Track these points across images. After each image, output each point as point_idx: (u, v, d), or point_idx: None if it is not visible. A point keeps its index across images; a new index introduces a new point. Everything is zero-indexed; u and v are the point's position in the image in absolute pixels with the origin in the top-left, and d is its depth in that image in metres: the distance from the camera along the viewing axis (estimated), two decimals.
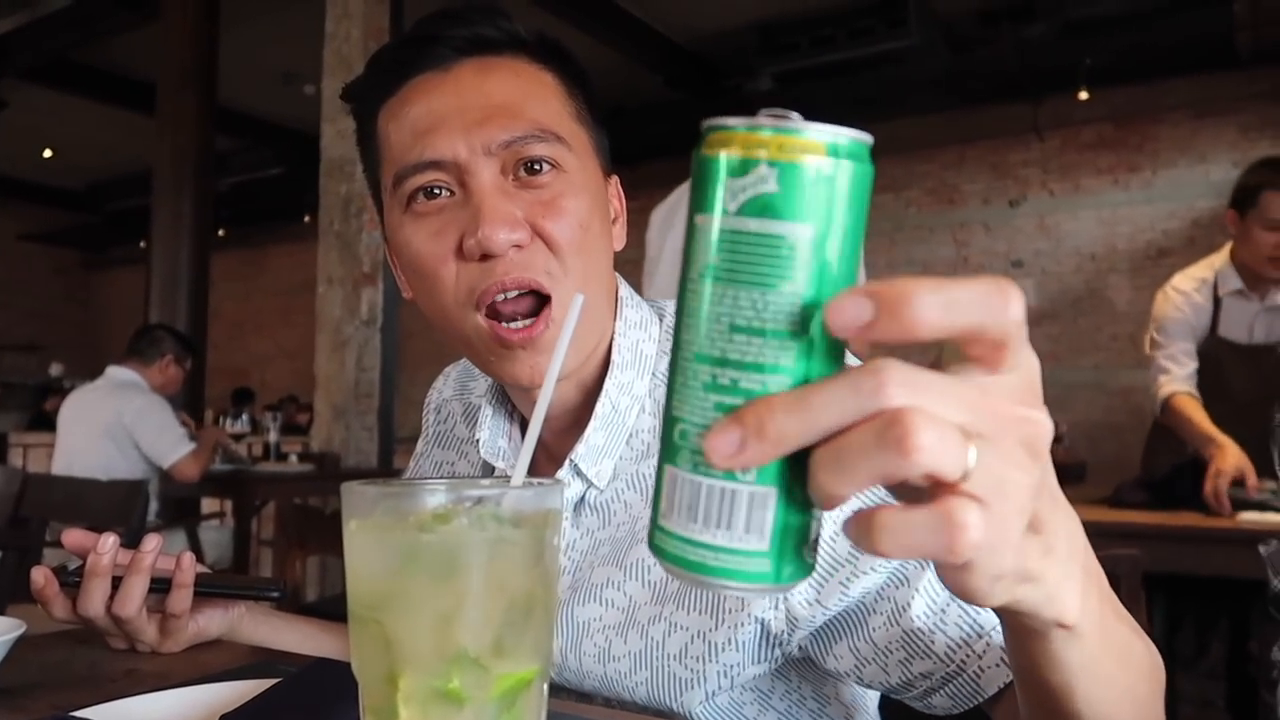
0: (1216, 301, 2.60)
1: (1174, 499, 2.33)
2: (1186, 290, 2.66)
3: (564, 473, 0.79)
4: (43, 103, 8.45)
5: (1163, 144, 7.42)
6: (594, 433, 0.78)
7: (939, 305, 0.30)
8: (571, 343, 0.75)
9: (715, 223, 0.33)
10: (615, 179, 0.86)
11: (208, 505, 5.03)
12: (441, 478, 0.94)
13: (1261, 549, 0.83)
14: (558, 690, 0.80)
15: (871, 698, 0.86)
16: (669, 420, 0.35)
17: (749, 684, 0.76)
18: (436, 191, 0.75)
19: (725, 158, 0.33)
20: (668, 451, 0.35)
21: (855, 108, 7.86)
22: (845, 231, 0.34)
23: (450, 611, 0.43)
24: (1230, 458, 2.28)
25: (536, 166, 0.74)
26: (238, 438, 4.96)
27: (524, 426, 0.86)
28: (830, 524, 0.68)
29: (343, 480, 0.47)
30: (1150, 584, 1.89)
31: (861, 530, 0.32)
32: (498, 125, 0.73)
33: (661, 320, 0.86)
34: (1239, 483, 2.24)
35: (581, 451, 0.78)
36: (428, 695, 0.43)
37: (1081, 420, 7.12)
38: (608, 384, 0.79)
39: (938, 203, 8.29)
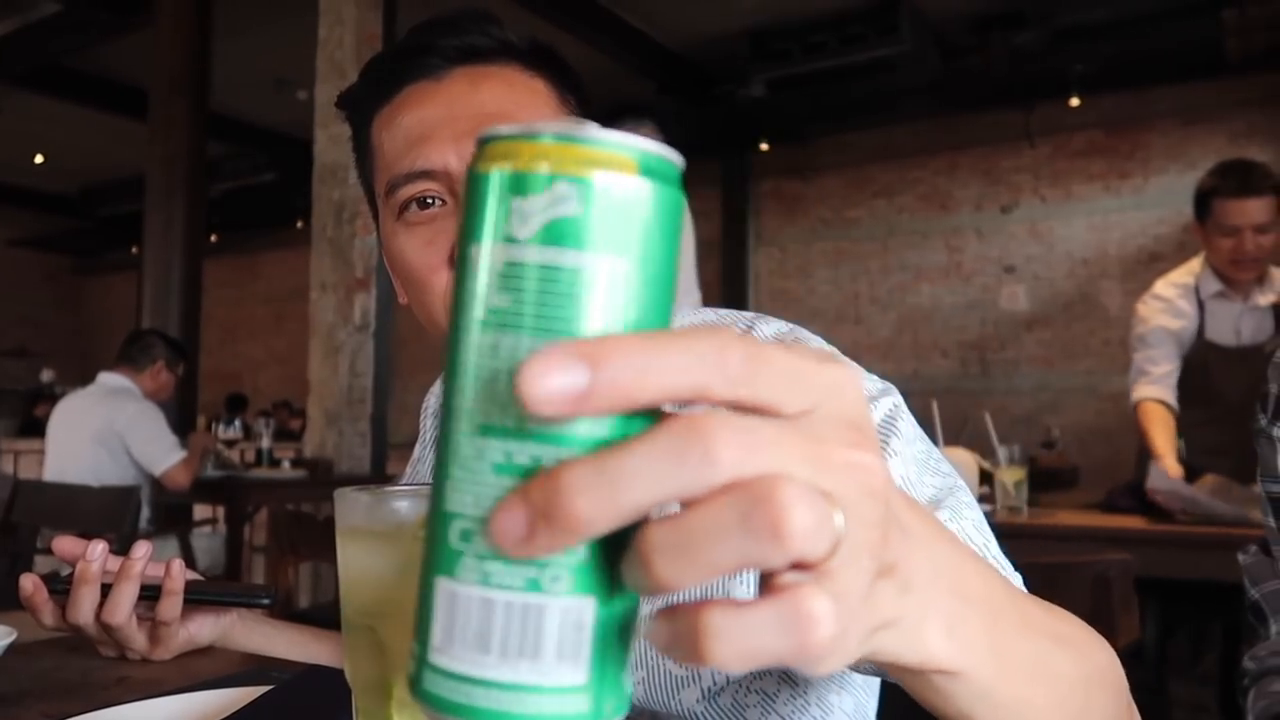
0: (1201, 306, 2.60)
1: (1159, 509, 2.34)
2: (1167, 297, 2.67)
3: None
4: (34, 108, 8.42)
5: (1153, 150, 7.47)
6: None
7: (683, 355, 0.25)
8: None
9: (499, 254, 0.26)
10: None
11: (200, 512, 5.00)
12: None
13: (1241, 557, 0.83)
14: None
15: (873, 708, 0.85)
16: (441, 518, 0.27)
17: (753, 686, 0.76)
18: (429, 201, 0.75)
19: (513, 173, 0.27)
20: (441, 560, 0.26)
21: (847, 114, 7.90)
22: (660, 265, 0.28)
23: None
24: (1168, 464, 2.36)
25: None
26: (230, 443, 4.94)
27: None
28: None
29: (335, 486, 0.46)
30: (1143, 589, 1.90)
31: (680, 636, 0.26)
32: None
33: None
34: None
35: None
36: None
37: (1073, 425, 7.15)
38: None
39: (930, 209, 8.32)
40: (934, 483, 0.72)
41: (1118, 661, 0.52)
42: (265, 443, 4.75)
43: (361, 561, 0.45)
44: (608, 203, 0.26)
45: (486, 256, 0.27)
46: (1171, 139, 7.41)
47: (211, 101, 5.59)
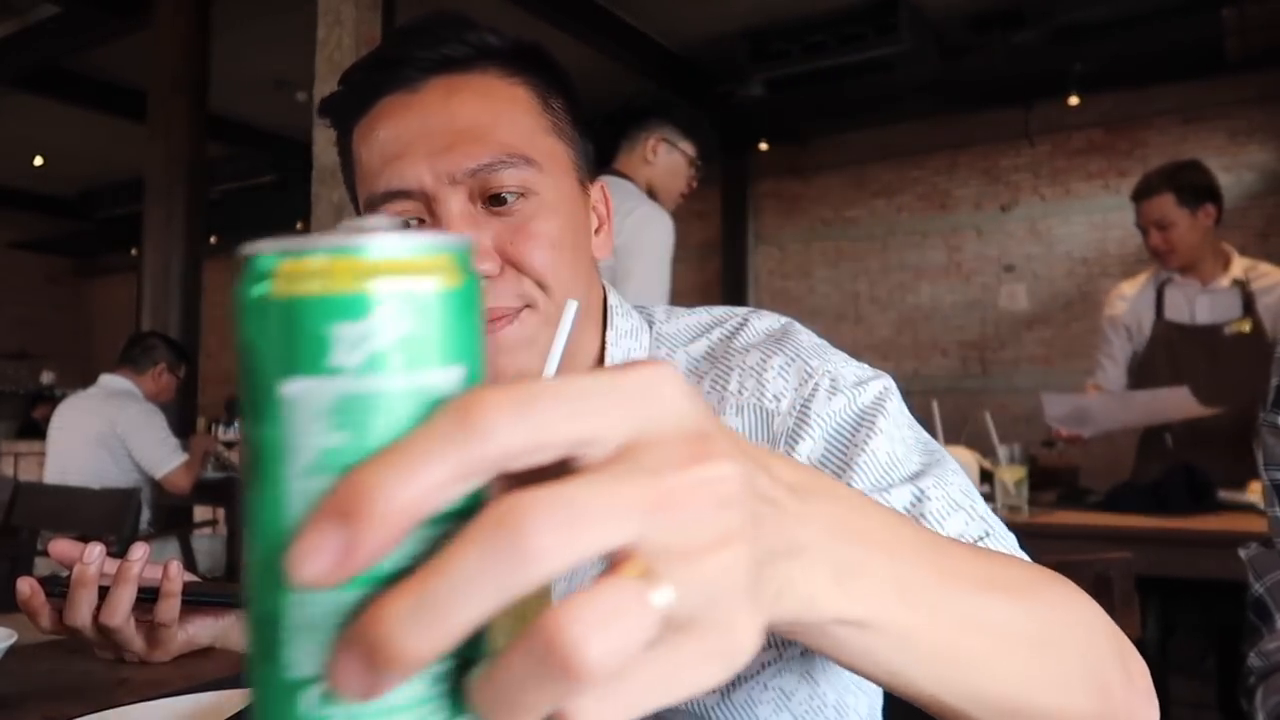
0: (1159, 293, 2.80)
1: (1166, 502, 2.34)
2: (1128, 294, 2.90)
3: None
4: (33, 110, 8.42)
5: (1152, 149, 7.46)
6: None
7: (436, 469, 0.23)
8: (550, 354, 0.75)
9: (327, 389, 0.23)
10: (600, 185, 0.85)
11: (200, 513, 5.01)
12: None
13: (1242, 552, 0.83)
14: None
15: (879, 706, 0.85)
16: (286, 689, 0.24)
17: (770, 683, 0.76)
18: (407, 224, 0.75)
19: (326, 297, 0.23)
20: None
21: (847, 114, 7.90)
22: (482, 360, 0.26)
23: None
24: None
25: (504, 197, 0.74)
26: (231, 445, 4.94)
27: None
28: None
29: None
30: (1144, 587, 1.90)
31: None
32: (463, 152, 0.73)
33: (651, 327, 0.85)
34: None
35: None
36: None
37: None
38: None
39: (930, 208, 8.32)
40: (920, 460, 0.72)
41: (1102, 617, 0.50)
42: None
43: None
44: (443, 309, 0.24)
45: (309, 394, 0.23)
46: (1171, 137, 7.41)
47: (210, 102, 5.59)
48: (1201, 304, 2.72)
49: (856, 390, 0.74)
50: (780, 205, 9.14)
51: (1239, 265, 2.72)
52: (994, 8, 6.72)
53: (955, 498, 0.69)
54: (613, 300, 0.84)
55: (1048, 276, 7.77)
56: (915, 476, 0.71)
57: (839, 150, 8.46)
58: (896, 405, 0.75)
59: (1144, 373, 2.79)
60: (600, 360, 0.81)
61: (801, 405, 0.74)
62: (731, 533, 0.26)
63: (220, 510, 4.76)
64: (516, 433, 0.23)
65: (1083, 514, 2.43)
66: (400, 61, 0.76)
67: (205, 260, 5.53)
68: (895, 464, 0.71)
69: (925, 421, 0.82)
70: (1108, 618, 0.51)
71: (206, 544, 4.49)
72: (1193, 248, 2.69)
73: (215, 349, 8.52)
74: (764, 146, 8.73)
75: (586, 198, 0.82)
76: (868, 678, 0.39)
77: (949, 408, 2.76)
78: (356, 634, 0.23)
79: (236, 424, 5.21)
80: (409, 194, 0.74)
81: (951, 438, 2.58)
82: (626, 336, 0.82)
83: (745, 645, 0.27)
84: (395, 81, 0.76)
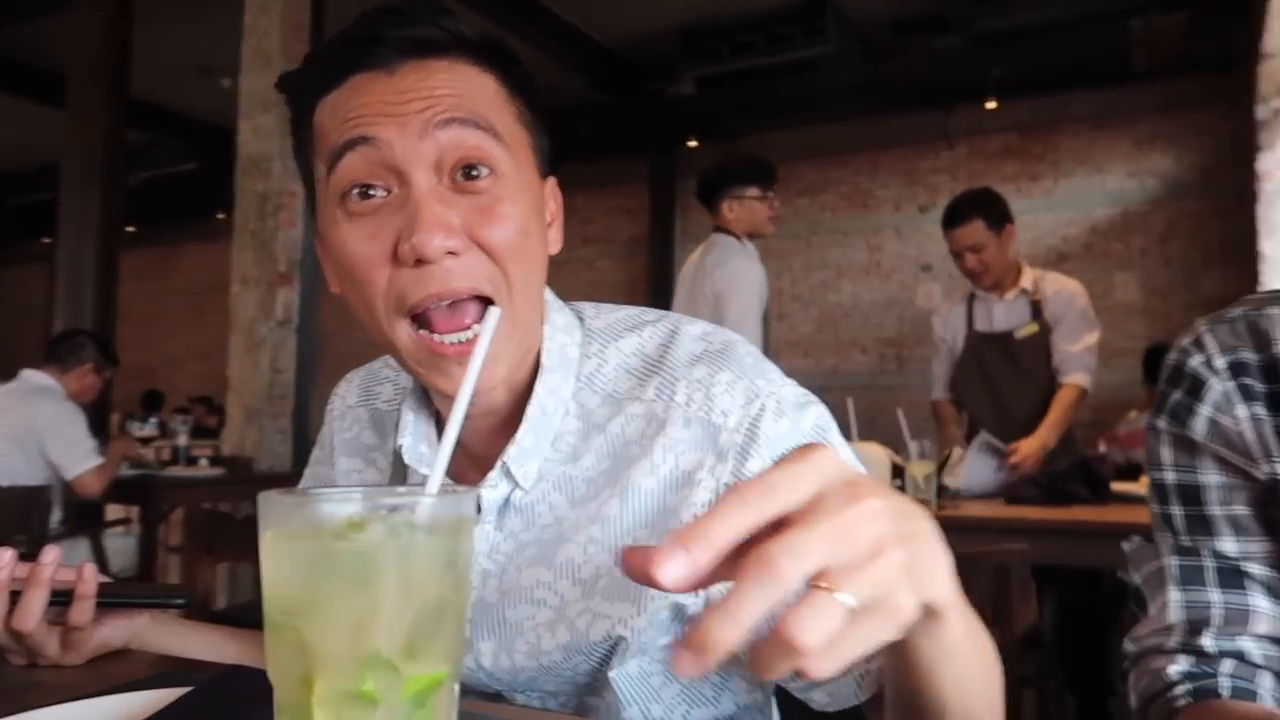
0: (970, 308, 3.19)
1: (1066, 495, 2.46)
2: (944, 312, 3.33)
3: (494, 474, 0.80)
4: None
5: (1063, 154, 7.75)
6: (524, 435, 0.79)
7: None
8: (509, 352, 0.77)
9: None
10: (553, 181, 0.85)
11: (113, 512, 4.85)
12: (351, 486, 0.94)
13: (1125, 545, 0.89)
14: (476, 691, 0.82)
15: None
16: None
17: (657, 655, 0.79)
18: (372, 192, 0.73)
19: None
20: None
21: (774, 113, 8.01)
22: None
23: (364, 617, 0.44)
24: (951, 446, 2.96)
25: (474, 172, 0.74)
26: (146, 441, 4.81)
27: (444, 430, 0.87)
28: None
29: (255, 485, 0.48)
30: (1041, 575, 2.00)
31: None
32: (435, 111, 0.73)
33: (582, 323, 0.87)
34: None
35: (513, 453, 0.79)
36: (341, 697, 0.45)
37: None
38: (538, 387, 0.81)
39: (852, 207, 8.49)
40: None
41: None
42: (182, 440, 4.64)
43: (285, 563, 0.46)
44: None
45: None
46: (1081, 142, 7.69)
47: (131, 88, 5.41)
48: (999, 313, 3.11)
49: (799, 414, 0.79)
50: None
51: (1028, 276, 3.09)
52: (917, 13, 6.89)
53: None
54: (548, 296, 0.86)
55: (962, 277, 8.00)
56: None
57: (766, 149, 8.48)
58: (837, 436, 0.80)
59: (960, 376, 3.19)
60: (538, 355, 0.83)
61: (750, 424, 0.77)
62: (885, 543, 0.41)
63: (134, 508, 4.63)
64: (763, 510, 0.41)
65: (986, 506, 2.56)
66: (375, 40, 0.75)
67: (122, 250, 5.36)
68: None
69: (841, 418, 0.87)
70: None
71: (119, 542, 4.36)
72: (1002, 266, 3.04)
73: (130, 341, 8.25)
74: (693, 143, 8.80)
75: (543, 189, 0.83)
76: (912, 669, 0.53)
77: (867, 403, 2.86)
78: (692, 633, 0.39)
79: (152, 420, 5.07)
80: (375, 143, 0.72)
81: (865, 433, 2.66)
82: (562, 331, 0.84)
83: (908, 613, 0.42)
84: (369, 59, 0.75)
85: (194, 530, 2.83)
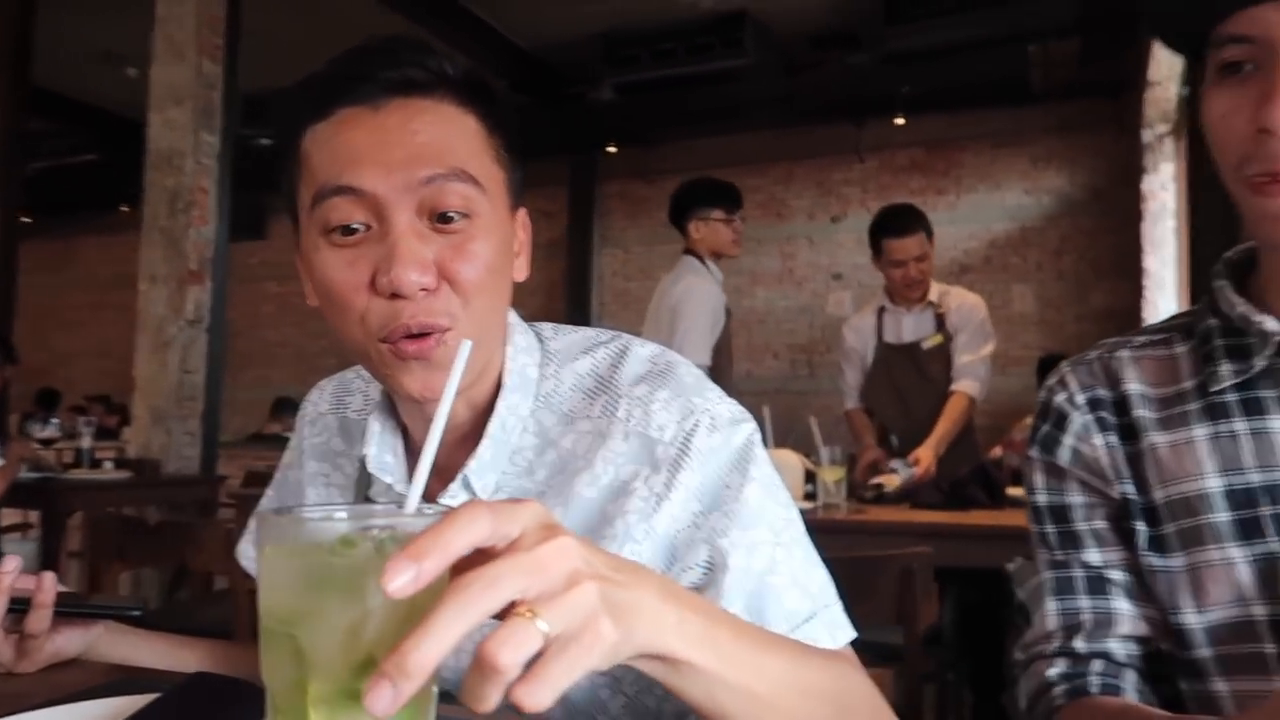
0: (879, 320, 3.34)
1: (966, 500, 2.61)
2: (855, 324, 3.47)
3: (455, 485, 0.84)
4: None
5: (966, 170, 8.06)
6: (484, 450, 0.84)
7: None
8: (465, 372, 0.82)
9: None
10: (523, 211, 0.91)
11: (9, 516, 4.66)
12: (317, 490, 0.99)
13: (1009, 566, 0.98)
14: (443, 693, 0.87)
15: None
16: None
17: (603, 668, 0.85)
18: (354, 227, 0.78)
19: None
20: None
21: (693, 121, 8.12)
22: None
23: (357, 624, 0.49)
24: (869, 454, 3.17)
25: (451, 215, 0.78)
26: (46, 443, 4.62)
27: (408, 441, 0.91)
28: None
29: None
30: (944, 577, 2.13)
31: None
32: (419, 164, 0.77)
33: (541, 344, 0.92)
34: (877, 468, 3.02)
35: (474, 466, 0.84)
36: (336, 697, 0.50)
37: None
38: (500, 405, 0.86)
39: (767, 216, 8.65)
40: (779, 514, 0.83)
41: (871, 690, 0.71)
42: (86, 442, 4.47)
43: (281, 577, 0.52)
44: None
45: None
46: (982, 159, 8.01)
47: (32, 74, 5.20)
48: (907, 325, 3.28)
49: (731, 430, 0.85)
50: (626, 207, 9.29)
51: (934, 290, 3.27)
52: (833, 29, 7.07)
53: (795, 572, 0.81)
54: (512, 318, 0.91)
55: (871, 285, 8.21)
56: (776, 533, 0.81)
57: (685, 155, 8.68)
58: (761, 450, 0.87)
59: (870, 385, 3.34)
60: (499, 373, 0.88)
61: (684, 438, 0.83)
62: (579, 576, 0.46)
63: (33, 513, 4.46)
64: (465, 540, 0.46)
65: (892, 511, 2.68)
66: (362, 79, 0.79)
67: (20, 241, 5.14)
68: (762, 512, 0.82)
69: (760, 425, 0.94)
70: (876, 691, 0.71)
71: (17, 548, 4.21)
72: (931, 276, 3.24)
73: (25, 337, 7.89)
74: (612, 149, 8.85)
75: (514, 222, 0.88)
76: (697, 709, 0.56)
77: (780, 408, 2.96)
78: (389, 659, 0.43)
79: (53, 421, 4.89)
80: (361, 194, 0.77)
81: (780, 440, 2.76)
82: (523, 353, 0.90)
83: (610, 642, 0.47)
84: (356, 95, 0.79)
85: (100, 535, 2.75)
